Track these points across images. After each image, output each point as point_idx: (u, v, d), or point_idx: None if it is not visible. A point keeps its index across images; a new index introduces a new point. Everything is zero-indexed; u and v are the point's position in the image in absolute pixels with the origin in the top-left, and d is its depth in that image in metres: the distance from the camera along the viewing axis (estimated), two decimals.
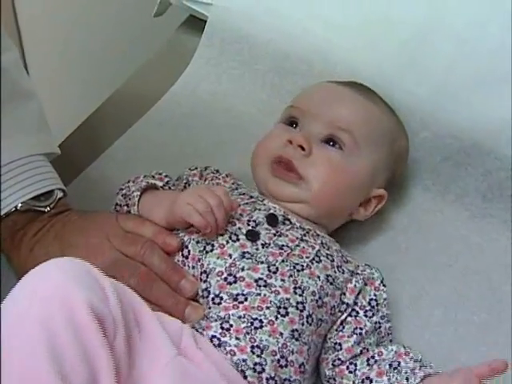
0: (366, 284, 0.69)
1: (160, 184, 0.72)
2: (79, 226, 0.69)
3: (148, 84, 1.00)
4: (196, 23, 1.04)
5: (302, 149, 0.73)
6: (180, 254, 0.67)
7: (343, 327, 0.67)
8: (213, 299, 0.63)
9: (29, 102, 0.74)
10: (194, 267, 0.66)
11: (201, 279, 0.65)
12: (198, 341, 0.59)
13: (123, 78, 1.01)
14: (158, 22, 1.09)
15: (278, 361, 0.61)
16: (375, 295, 0.69)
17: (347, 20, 0.89)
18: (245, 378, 0.59)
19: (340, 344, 0.66)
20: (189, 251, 0.67)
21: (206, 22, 0.98)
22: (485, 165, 0.83)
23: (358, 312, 0.68)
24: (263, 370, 0.60)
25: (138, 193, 0.70)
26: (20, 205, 0.69)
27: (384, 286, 0.70)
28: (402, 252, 0.81)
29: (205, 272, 0.65)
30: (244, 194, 0.74)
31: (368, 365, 0.66)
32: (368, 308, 0.68)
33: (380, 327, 0.68)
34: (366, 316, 0.68)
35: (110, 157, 0.87)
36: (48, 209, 0.70)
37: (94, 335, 0.50)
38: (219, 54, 0.96)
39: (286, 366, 0.62)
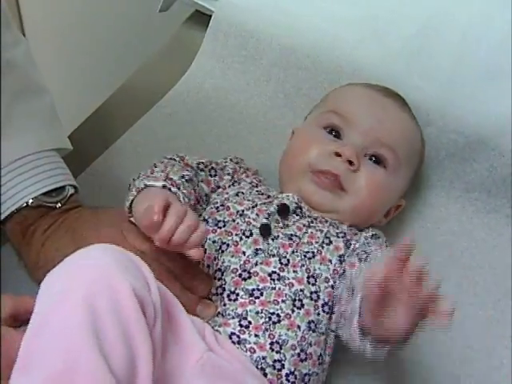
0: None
1: (158, 184, 0.65)
2: (91, 220, 0.68)
3: (153, 79, 1.00)
4: (201, 18, 1.03)
5: (350, 163, 0.71)
6: None
7: None
8: (228, 296, 0.63)
9: (41, 96, 0.73)
10: (209, 266, 0.65)
11: (215, 277, 0.64)
12: (218, 338, 0.60)
13: (129, 72, 1.01)
14: (163, 17, 1.08)
15: (298, 355, 0.61)
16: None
17: (353, 14, 0.89)
18: (265, 375, 0.59)
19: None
20: (205, 250, 0.65)
21: (211, 16, 0.99)
22: (490, 160, 0.83)
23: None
24: (283, 366, 0.60)
25: (134, 194, 0.65)
26: (31, 200, 0.68)
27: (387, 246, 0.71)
28: None
29: (219, 270, 0.65)
30: (262, 193, 0.72)
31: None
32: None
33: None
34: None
35: (117, 150, 0.87)
36: (59, 205, 0.70)
37: (136, 319, 0.51)
38: (224, 49, 0.96)
39: (305, 359, 0.62)
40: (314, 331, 0.63)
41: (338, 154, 0.71)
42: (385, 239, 0.72)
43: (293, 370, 0.61)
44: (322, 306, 0.64)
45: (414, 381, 0.72)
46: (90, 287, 0.50)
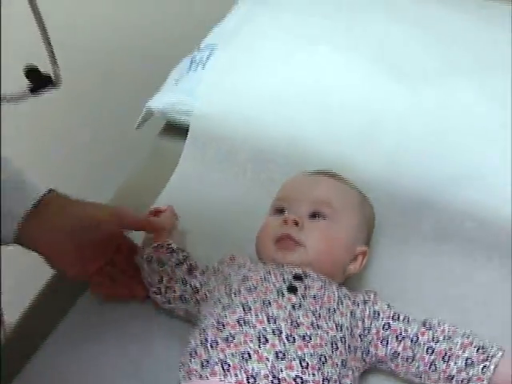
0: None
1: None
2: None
3: (138, 194, 1.13)
4: (174, 128, 1.20)
5: (296, 224, 0.90)
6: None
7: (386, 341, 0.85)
8: (287, 338, 0.78)
9: None
10: (257, 316, 0.81)
11: (268, 321, 0.80)
12: None
13: (112, 191, 1.14)
14: (138, 133, 1.22)
15: None
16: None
17: (308, 114, 1.10)
18: None
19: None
20: (249, 307, 0.82)
21: (183, 126, 1.16)
22: (438, 214, 1.03)
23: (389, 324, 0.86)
24: None
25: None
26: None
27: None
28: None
29: (272, 318, 0.80)
30: (264, 263, 0.90)
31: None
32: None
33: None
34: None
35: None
36: None
37: None
38: (202, 155, 1.13)
39: None
40: (344, 367, 0.80)
41: (285, 222, 0.91)
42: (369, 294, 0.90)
43: None
44: (348, 347, 0.82)
45: None
46: None
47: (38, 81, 0.73)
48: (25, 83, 0.77)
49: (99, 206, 0.94)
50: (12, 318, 0.95)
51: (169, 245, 0.96)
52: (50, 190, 0.90)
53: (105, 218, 0.90)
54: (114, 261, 0.96)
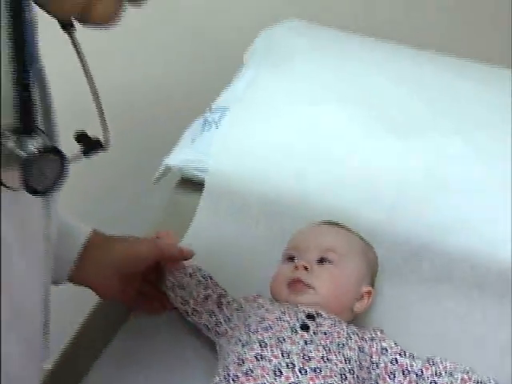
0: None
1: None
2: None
3: None
4: (189, 182, 1.29)
5: (306, 269, 1.01)
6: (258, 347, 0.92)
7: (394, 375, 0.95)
8: (300, 371, 0.88)
9: None
10: (272, 351, 0.91)
11: (282, 355, 0.90)
12: None
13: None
14: (153, 187, 1.31)
15: None
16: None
17: (314, 171, 1.23)
18: None
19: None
20: (266, 344, 0.92)
21: (197, 181, 1.26)
22: (435, 258, 1.15)
23: (396, 360, 0.96)
24: None
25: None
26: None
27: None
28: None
29: (286, 353, 0.90)
30: (279, 303, 1.00)
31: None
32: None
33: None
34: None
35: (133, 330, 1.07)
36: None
37: None
38: (218, 208, 1.23)
39: None
40: None
41: (296, 268, 1.02)
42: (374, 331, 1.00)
43: None
44: (356, 377, 0.92)
45: None
46: None
47: (89, 145, 0.79)
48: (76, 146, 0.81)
49: (139, 240, 1.05)
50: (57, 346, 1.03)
51: (186, 268, 1.07)
52: (93, 231, 1.02)
53: (147, 254, 1.02)
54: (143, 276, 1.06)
